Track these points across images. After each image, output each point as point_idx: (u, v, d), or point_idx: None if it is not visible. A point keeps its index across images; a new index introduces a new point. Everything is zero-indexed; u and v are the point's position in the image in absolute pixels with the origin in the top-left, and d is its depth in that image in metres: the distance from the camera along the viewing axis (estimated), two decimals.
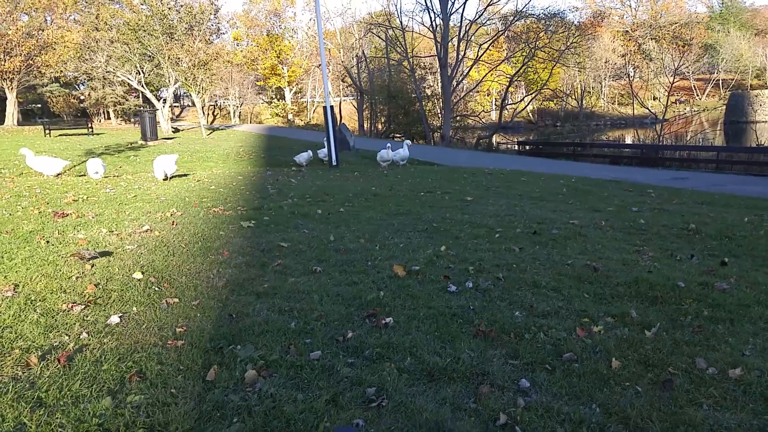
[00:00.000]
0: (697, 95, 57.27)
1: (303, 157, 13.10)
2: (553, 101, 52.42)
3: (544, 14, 29.25)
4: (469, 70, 32.27)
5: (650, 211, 7.08)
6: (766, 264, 4.50)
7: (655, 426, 2.09)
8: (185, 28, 27.60)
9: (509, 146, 30.16)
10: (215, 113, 49.43)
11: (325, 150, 13.36)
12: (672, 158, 18.57)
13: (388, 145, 13.31)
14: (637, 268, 4.20)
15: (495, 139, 31.28)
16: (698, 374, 2.50)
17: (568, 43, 28.89)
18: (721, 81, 57.70)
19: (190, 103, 47.77)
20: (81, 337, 2.65)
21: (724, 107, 44.32)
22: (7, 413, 1.96)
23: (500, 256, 4.55)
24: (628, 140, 35.18)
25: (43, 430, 1.87)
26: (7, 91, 32.24)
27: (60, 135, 25.01)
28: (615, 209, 7.21)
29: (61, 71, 31.91)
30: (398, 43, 32.38)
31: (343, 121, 27.66)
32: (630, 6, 62.73)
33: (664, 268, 4.22)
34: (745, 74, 56.17)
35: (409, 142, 13.94)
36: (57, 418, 1.94)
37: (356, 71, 37.46)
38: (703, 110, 51.50)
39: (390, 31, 33.44)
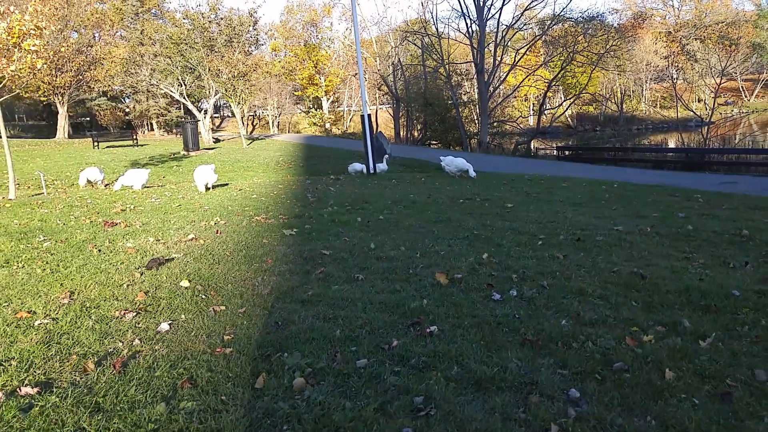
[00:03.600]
0: (746, 96, 54.98)
1: (357, 167, 13.27)
2: (592, 105, 51.27)
3: (583, 17, 28.71)
4: (506, 75, 31.92)
5: (698, 217, 6.82)
6: None
7: None
8: (225, 41, 28.42)
9: (548, 152, 29.67)
10: (254, 123, 50.52)
11: (355, 165, 13.42)
12: (720, 162, 17.86)
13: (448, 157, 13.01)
14: (688, 276, 4.06)
15: (533, 144, 30.85)
16: (758, 386, 2.40)
17: (608, 46, 28.26)
18: None
19: (229, 114, 48.99)
20: (134, 343, 2.74)
21: None
22: (67, 418, 2.04)
23: (544, 263, 4.47)
24: (672, 144, 34.06)
25: None
26: (58, 105, 33.88)
27: (107, 147, 26.14)
28: (660, 215, 6.98)
29: (109, 85, 33.32)
30: (434, 50, 32.39)
31: (379, 129, 27.79)
32: (673, 6, 60.90)
33: (716, 276, 4.06)
34: None
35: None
36: (114, 423, 2.01)
37: (392, 79, 37.64)
38: (753, 112, 49.38)
39: (426, 39, 33.49)
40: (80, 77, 33.14)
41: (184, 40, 27.51)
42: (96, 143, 26.42)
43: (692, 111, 41.68)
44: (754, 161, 17.31)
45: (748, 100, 54.45)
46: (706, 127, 29.14)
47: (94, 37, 37.09)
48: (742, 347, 2.80)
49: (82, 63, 32.60)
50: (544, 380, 2.42)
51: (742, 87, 54.53)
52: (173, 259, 4.45)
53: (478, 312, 3.28)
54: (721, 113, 45.67)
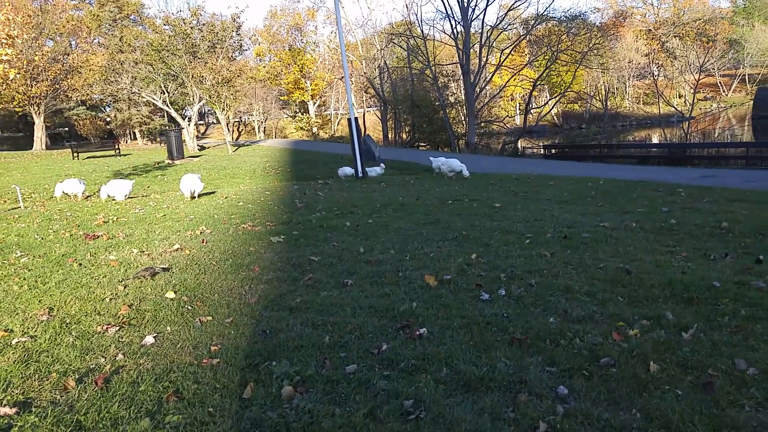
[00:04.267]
0: (723, 91, 55.83)
1: (347, 171, 13.25)
2: (577, 103, 51.75)
3: (566, 16, 29.00)
4: (492, 75, 32.11)
5: (681, 211, 6.90)
6: None
7: (698, 429, 2.04)
8: (208, 47, 28.20)
9: (535, 150, 29.87)
10: (240, 129, 50.25)
11: (345, 169, 13.40)
12: (700, 156, 18.11)
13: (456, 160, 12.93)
14: (671, 270, 4.11)
15: (520, 144, 31.02)
16: (739, 375, 2.44)
17: (591, 45, 28.54)
18: (747, 76, 56.14)
19: (214, 120, 48.66)
20: (117, 358, 2.70)
21: (752, 102, 43.08)
22: None
23: (532, 261, 4.50)
24: (655, 140, 34.46)
25: None
26: (34, 116, 32.95)
27: (88, 157, 25.79)
28: (645, 210, 7.06)
29: (87, 94, 32.76)
30: (420, 51, 32.48)
31: (367, 132, 27.83)
32: (652, 4, 61.71)
33: (698, 269, 4.12)
34: None
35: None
36: None
37: (379, 82, 37.69)
38: (730, 106, 50.16)
39: (411, 41, 33.58)
40: (57, 86, 32.46)
41: (166, 46, 27.24)
42: (75, 154, 26.02)
43: (673, 107, 42.21)
44: (733, 154, 17.59)
45: (726, 95, 55.31)
46: (687, 123, 29.53)
47: (71, 44, 36.30)
48: (723, 337, 2.84)
49: (58, 72, 31.92)
50: (532, 379, 2.43)
51: (719, 82, 55.37)
52: (169, 269, 4.42)
53: (467, 312, 3.29)
54: (700, 108, 46.29)
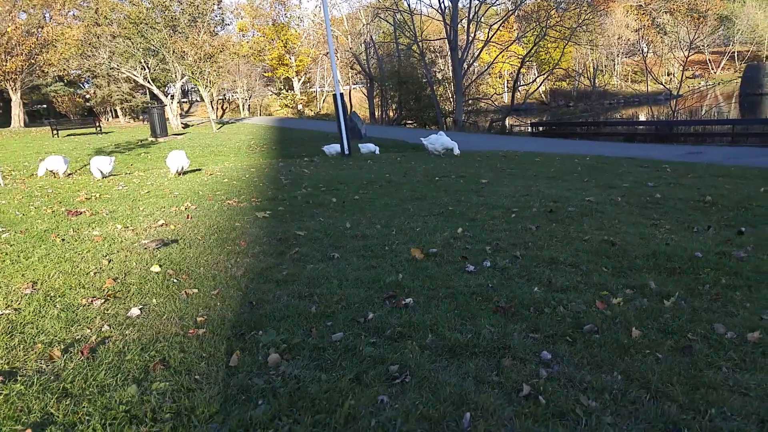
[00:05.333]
0: (712, 69, 56.05)
1: (335, 147, 13.14)
2: (565, 81, 51.67)
3: None
4: (480, 52, 31.83)
5: (666, 186, 6.99)
6: None
7: (676, 389, 2.09)
8: (188, 20, 27.44)
9: (523, 128, 29.87)
10: (224, 107, 49.50)
11: (332, 146, 13.28)
12: (687, 133, 18.27)
13: (441, 132, 12.88)
14: (655, 241, 4.17)
15: (508, 121, 30.98)
16: (717, 339, 2.51)
17: (580, 21, 28.34)
18: (736, 53, 56.37)
19: (198, 98, 47.84)
20: (103, 329, 2.69)
21: (740, 80, 43.35)
22: (33, 404, 2.00)
23: (517, 235, 4.53)
24: (642, 117, 34.61)
25: (71, 419, 1.91)
26: (11, 92, 31.85)
27: (68, 135, 25.25)
28: (630, 185, 7.13)
29: (64, 69, 31.61)
30: (407, 27, 32.04)
31: (353, 110, 27.55)
32: None
33: (681, 240, 4.19)
34: (761, 45, 54.80)
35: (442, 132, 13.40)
36: (84, 407, 1.98)
37: (365, 57, 37.21)
38: (718, 84, 50.41)
39: (398, 15, 33.07)
40: (32, 61, 31.27)
41: (144, 19, 26.43)
42: (55, 131, 25.44)
43: (662, 84, 42.32)
44: (719, 132, 17.74)
45: (715, 73, 55.51)
46: (674, 100, 29.64)
47: (45, 17, 35.09)
48: (703, 304, 2.91)
49: (33, 45, 30.74)
50: (516, 344, 2.47)
51: (708, 60, 55.54)
52: (177, 240, 4.39)
53: (453, 283, 3.32)
54: (688, 86, 46.48)
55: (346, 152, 12.92)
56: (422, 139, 12.56)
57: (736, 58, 56.28)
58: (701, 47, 50.85)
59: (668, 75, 51.08)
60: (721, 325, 2.63)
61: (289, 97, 49.50)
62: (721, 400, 2.03)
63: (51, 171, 9.90)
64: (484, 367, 2.27)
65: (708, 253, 3.79)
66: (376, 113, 37.71)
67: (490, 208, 5.76)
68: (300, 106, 48.84)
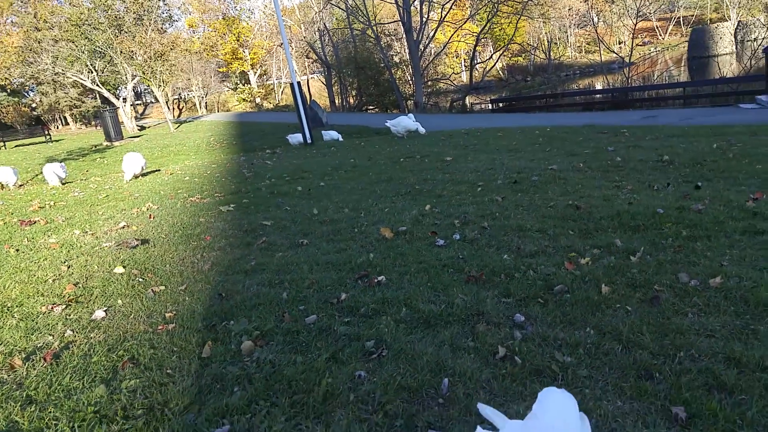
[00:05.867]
0: (660, 35, 57.43)
1: (299, 137, 12.95)
2: (521, 56, 52.13)
3: None
4: (435, 32, 31.81)
5: (625, 149, 7.14)
6: (737, 183, 4.62)
7: (646, 337, 2.14)
8: (134, 19, 26.51)
9: (483, 106, 30.07)
10: (180, 107, 48.18)
11: (296, 135, 13.10)
12: (642, 99, 18.72)
13: (411, 115, 12.75)
14: (618, 202, 4.26)
15: (468, 100, 31.11)
16: (682, 287, 2.58)
17: None
18: (681, 18, 57.87)
19: (153, 99, 46.45)
20: (65, 334, 2.59)
21: (687, 44, 44.59)
22: None
23: (484, 207, 4.56)
24: (598, 86, 35.27)
25: (37, 425, 1.83)
26: None
27: (16, 146, 24.21)
28: (591, 151, 7.26)
29: (6, 78, 30.34)
30: (360, 11, 31.68)
31: (313, 99, 27.20)
32: None
33: (643, 199, 4.29)
34: (704, 9, 56.38)
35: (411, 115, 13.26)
36: (50, 412, 1.90)
37: (320, 45, 36.71)
38: (667, 49, 51.75)
39: (350, 0, 32.71)
40: None
41: (86, 20, 25.40)
42: (2, 143, 24.38)
43: (615, 52, 43.18)
44: (671, 95, 18.25)
45: (663, 39, 56.93)
46: (627, 68, 30.29)
47: None
48: (667, 257, 2.99)
49: None
50: (489, 310, 2.48)
51: (656, 26, 56.88)
52: (148, 240, 4.25)
53: (424, 258, 3.32)
54: (639, 53, 47.57)
55: (309, 141, 12.77)
56: (387, 122, 12.51)
57: (681, 23, 57.81)
58: (648, 14, 51.98)
59: (620, 43, 52.10)
60: (685, 274, 2.71)
61: (246, 92, 48.55)
62: (689, 344, 2.09)
63: (0, 183, 9.46)
64: (459, 335, 2.28)
65: (669, 208, 3.89)
66: (337, 101, 37.37)
67: (456, 183, 5.78)
68: (258, 100, 47.99)
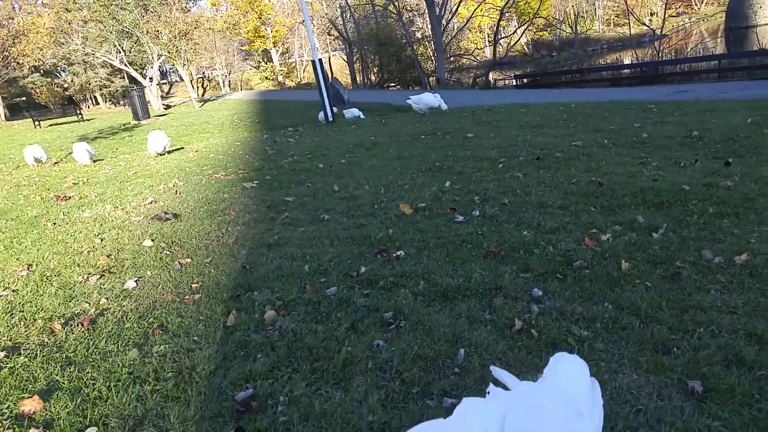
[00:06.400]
0: (696, 5, 55.23)
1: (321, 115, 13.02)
2: (546, 31, 50.81)
3: None
4: (457, 7, 31.12)
5: (653, 125, 6.97)
6: None
7: (665, 313, 2.14)
8: None
9: (507, 82, 29.51)
10: (204, 86, 48.51)
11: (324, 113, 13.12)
12: (673, 73, 18.10)
13: (437, 94, 12.63)
14: (643, 179, 4.20)
15: (491, 76, 30.55)
16: (705, 264, 2.55)
17: None
18: None
19: (177, 79, 46.77)
20: (100, 302, 2.73)
21: (724, 14, 42.79)
22: (38, 374, 2.05)
23: (505, 184, 4.55)
24: (627, 61, 34.26)
25: (76, 384, 1.95)
26: None
27: (50, 125, 24.82)
28: (617, 128, 7.11)
29: (39, 59, 30.91)
30: None
31: (334, 76, 27.08)
32: None
33: (669, 176, 4.22)
34: None
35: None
36: (88, 372, 2.02)
37: (341, 22, 36.37)
38: (702, 20, 49.78)
39: None
40: (6, 53, 30.58)
41: (114, 1, 25.69)
42: (37, 123, 24.96)
43: (645, 25, 41.76)
44: (705, 68, 17.62)
45: (698, 9, 54.71)
46: (659, 41, 29.28)
47: (14, 8, 34.09)
48: (691, 234, 2.95)
49: (5, 38, 30.02)
50: (507, 284, 2.51)
51: None
52: (177, 215, 4.40)
53: (443, 234, 3.34)
54: (672, 25, 45.90)
55: (330, 119, 12.78)
56: (408, 99, 12.41)
57: None
58: None
59: (651, 15, 50.34)
60: (709, 251, 2.67)
61: (268, 70, 48.53)
62: (710, 320, 2.08)
63: (36, 159, 9.77)
64: (476, 308, 2.32)
65: (695, 185, 3.82)
66: (358, 78, 37.12)
67: (477, 160, 5.75)
68: (280, 78, 47.96)
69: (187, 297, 2.66)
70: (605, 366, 1.86)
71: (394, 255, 3.01)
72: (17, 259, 3.58)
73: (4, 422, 1.75)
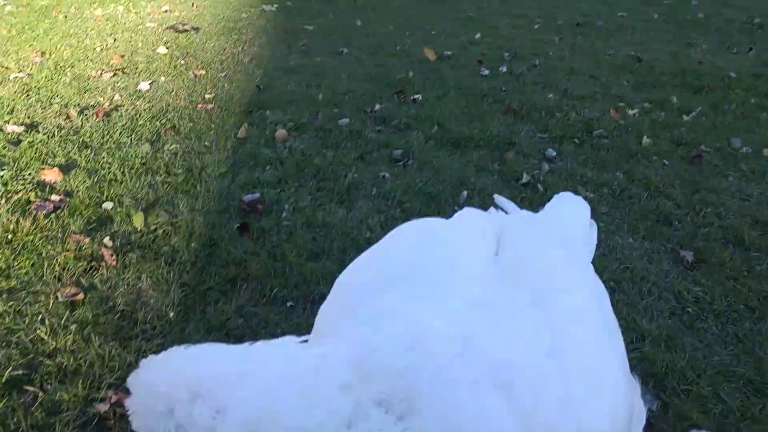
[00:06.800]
0: None
1: None
2: None
3: None
4: None
5: (712, 5, 6.38)
6: None
7: (676, 190, 2.13)
8: None
9: None
10: None
11: None
12: None
13: None
14: (687, 60, 3.95)
15: None
16: (731, 152, 2.49)
17: None
18: None
19: None
20: (114, 98, 2.71)
21: None
22: (56, 151, 2.11)
23: (538, 45, 4.29)
24: None
25: (92, 165, 2.02)
26: None
27: None
28: (672, 2, 6.51)
29: None
30: None
31: None
32: None
33: (716, 60, 3.96)
34: None
35: None
36: (103, 157, 2.08)
37: None
38: None
39: None
40: None
41: None
42: None
43: None
44: None
45: None
46: None
47: None
48: (725, 121, 2.84)
49: None
50: (522, 141, 2.47)
51: None
52: (194, 28, 4.21)
53: (464, 84, 3.22)
54: None
55: None
56: None
57: None
58: None
59: None
60: (738, 139, 2.58)
61: None
62: (720, 203, 2.07)
63: None
64: (486, 158, 2.30)
65: (743, 74, 3.59)
66: None
67: (514, 17, 5.37)
68: None
69: (200, 105, 2.64)
70: (604, 227, 1.89)
71: (412, 98, 2.93)
72: (30, 45, 3.49)
73: (27, 186, 1.84)
